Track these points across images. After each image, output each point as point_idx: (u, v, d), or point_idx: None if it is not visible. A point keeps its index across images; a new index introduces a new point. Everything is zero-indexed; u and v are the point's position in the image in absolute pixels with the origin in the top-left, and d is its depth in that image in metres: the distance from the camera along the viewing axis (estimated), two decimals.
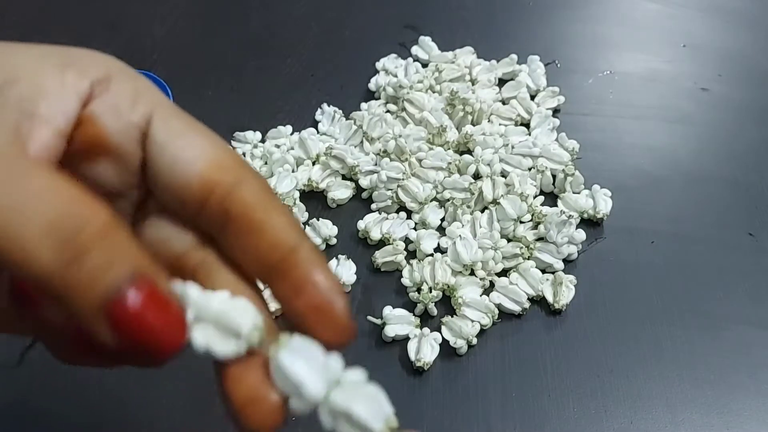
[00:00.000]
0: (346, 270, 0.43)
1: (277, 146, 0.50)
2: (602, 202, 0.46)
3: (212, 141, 0.20)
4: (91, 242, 0.16)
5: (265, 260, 0.19)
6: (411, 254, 0.45)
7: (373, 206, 0.47)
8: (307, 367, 0.18)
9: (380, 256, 0.43)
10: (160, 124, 0.20)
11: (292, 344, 0.18)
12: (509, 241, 0.44)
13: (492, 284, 0.43)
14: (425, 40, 0.57)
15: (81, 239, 0.16)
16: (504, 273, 0.43)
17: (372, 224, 0.45)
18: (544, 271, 0.43)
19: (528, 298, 0.42)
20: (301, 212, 0.46)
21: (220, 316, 0.18)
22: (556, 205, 0.46)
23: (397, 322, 0.40)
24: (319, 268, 0.19)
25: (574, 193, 0.47)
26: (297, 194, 0.46)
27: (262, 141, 0.51)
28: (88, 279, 0.16)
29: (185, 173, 0.19)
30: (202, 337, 0.18)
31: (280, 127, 0.51)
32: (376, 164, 0.48)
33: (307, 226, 0.45)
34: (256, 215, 0.19)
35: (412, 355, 0.39)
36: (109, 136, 0.19)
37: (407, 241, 0.45)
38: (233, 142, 0.51)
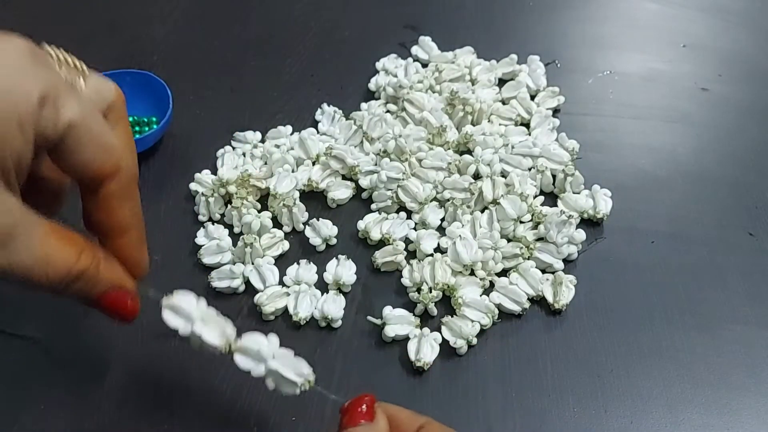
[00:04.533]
0: (346, 270, 0.42)
1: (277, 146, 0.50)
2: (602, 202, 0.46)
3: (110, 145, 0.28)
4: (80, 272, 0.27)
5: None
6: (411, 254, 0.45)
7: (373, 206, 0.47)
8: (251, 361, 0.31)
9: (380, 256, 0.43)
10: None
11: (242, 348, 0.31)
12: (509, 241, 0.44)
13: (492, 284, 0.43)
14: (425, 40, 0.57)
15: (75, 270, 0.27)
16: (504, 273, 0.43)
17: (372, 224, 0.45)
18: (544, 271, 0.43)
19: (528, 298, 0.42)
20: (301, 212, 0.46)
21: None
22: (556, 205, 0.46)
23: (397, 322, 0.40)
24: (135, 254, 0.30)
25: (574, 193, 0.47)
26: (297, 194, 0.46)
27: (262, 141, 0.51)
28: (84, 290, 0.28)
29: (90, 169, 0.27)
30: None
31: (280, 127, 0.51)
32: (376, 164, 0.48)
33: (307, 226, 0.45)
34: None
35: (412, 355, 0.39)
36: None
37: (407, 241, 0.45)
38: (233, 142, 0.51)
